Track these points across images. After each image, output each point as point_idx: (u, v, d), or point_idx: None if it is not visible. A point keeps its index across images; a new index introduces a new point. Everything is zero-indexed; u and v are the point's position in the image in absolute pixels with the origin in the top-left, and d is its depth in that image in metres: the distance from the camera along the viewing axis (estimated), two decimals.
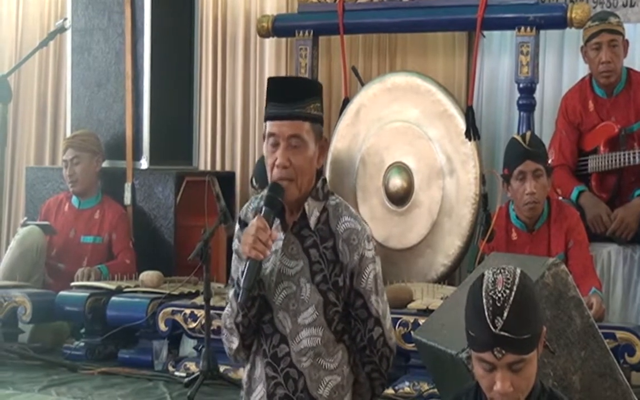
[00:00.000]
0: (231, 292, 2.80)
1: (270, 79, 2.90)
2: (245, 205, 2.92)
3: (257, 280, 2.70)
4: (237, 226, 2.89)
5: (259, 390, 2.80)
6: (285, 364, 2.75)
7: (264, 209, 2.71)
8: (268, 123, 2.77)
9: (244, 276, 2.66)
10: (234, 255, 2.88)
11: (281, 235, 2.78)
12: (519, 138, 4.57)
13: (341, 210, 2.80)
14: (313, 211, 2.78)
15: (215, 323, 4.38)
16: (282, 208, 2.75)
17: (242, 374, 2.92)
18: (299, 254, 2.77)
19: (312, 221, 2.78)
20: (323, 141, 2.82)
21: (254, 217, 2.76)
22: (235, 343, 2.82)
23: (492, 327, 2.28)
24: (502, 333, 2.28)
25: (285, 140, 2.73)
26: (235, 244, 2.87)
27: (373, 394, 2.88)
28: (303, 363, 2.75)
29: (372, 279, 2.78)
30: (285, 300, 2.76)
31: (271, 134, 2.75)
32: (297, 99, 2.74)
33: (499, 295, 2.30)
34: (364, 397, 2.86)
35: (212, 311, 4.44)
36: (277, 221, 2.77)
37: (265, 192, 2.78)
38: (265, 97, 2.82)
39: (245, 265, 2.67)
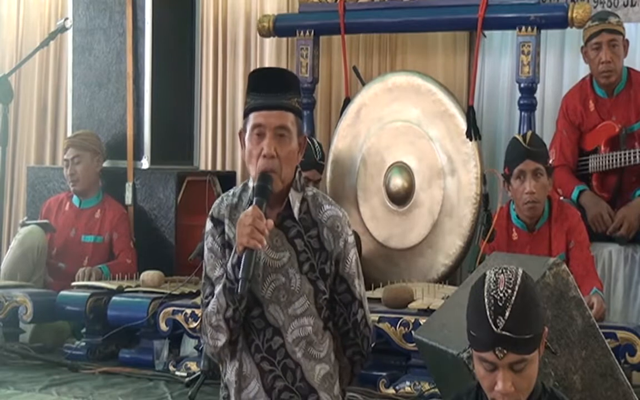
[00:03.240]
0: (217, 288, 2.75)
1: (254, 71, 2.91)
2: (217, 203, 2.88)
3: (254, 270, 2.68)
4: (209, 225, 2.85)
5: (253, 386, 2.78)
6: (281, 355, 2.76)
7: (255, 198, 2.70)
8: (253, 114, 2.77)
9: (241, 267, 2.63)
10: (207, 254, 2.83)
11: None
12: (519, 137, 4.57)
13: (320, 200, 2.83)
14: (295, 202, 2.79)
15: None
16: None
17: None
18: (284, 245, 2.77)
19: (295, 211, 2.79)
20: (302, 138, 2.83)
21: (229, 214, 2.78)
22: (222, 340, 2.76)
23: (493, 327, 2.28)
24: (504, 333, 2.28)
25: (272, 130, 2.73)
26: (209, 242, 2.83)
27: (352, 374, 2.91)
28: (297, 353, 2.76)
29: (354, 263, 2.83)
30: (275, 293, 2.76)
31: (257, 125, 2.75)
32: (282, 90, 2.76)
33: (501, 295, 2.31)
34: (344, 380, 2.89)
35: None
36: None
37: (251, 184, 2.77)
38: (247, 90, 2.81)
39: (243, 255, 2.64)
